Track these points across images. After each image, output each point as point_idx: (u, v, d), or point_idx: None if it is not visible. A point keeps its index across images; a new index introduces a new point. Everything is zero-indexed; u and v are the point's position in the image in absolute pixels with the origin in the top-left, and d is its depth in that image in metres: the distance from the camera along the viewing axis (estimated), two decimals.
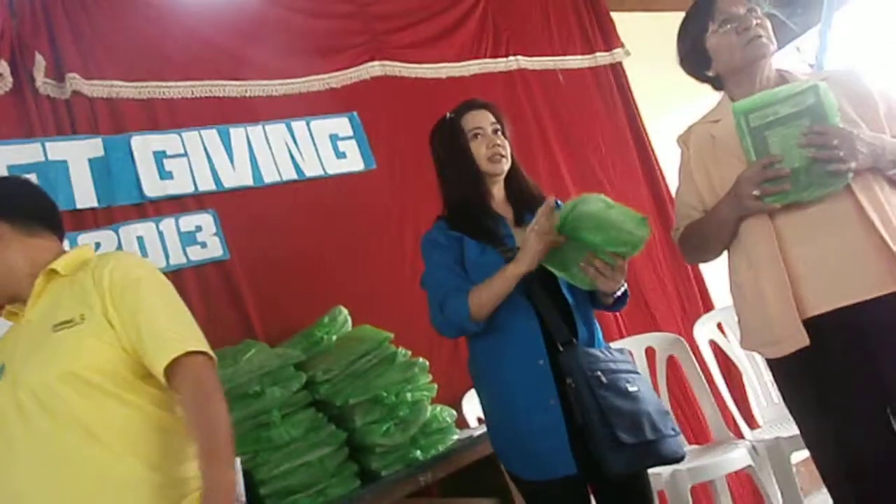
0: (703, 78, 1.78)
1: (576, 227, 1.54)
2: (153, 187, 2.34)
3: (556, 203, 1.74)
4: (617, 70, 3.61)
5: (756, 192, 1.48)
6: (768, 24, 1.65)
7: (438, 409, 2.12)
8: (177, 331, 1.29)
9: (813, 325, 1.47)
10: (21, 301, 1.38)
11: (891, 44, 4.01)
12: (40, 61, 2.24)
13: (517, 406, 1.62)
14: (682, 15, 1.80)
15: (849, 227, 1.47)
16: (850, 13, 4.19)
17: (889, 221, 1.45)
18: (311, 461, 1.85)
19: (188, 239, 2.34)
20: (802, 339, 1.47)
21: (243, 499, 1.40)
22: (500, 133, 1.80)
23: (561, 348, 1.59)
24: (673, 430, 1.60)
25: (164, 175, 2.37)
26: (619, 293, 1.66)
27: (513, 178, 1.83)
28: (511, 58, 3.32)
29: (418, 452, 2.01)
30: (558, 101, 3.38)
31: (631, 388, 1.58)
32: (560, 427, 1.57)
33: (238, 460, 1.39)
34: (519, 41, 3.38)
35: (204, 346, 1.30)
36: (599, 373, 1.56)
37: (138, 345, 1.27)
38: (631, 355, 1.72)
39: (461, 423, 2.36)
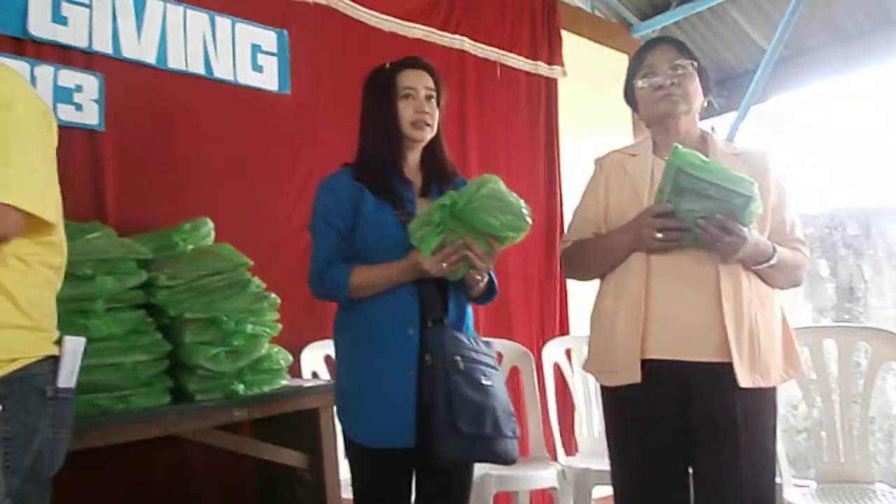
0: (637, 115, 1.84)
1: (479, 208, 1.51)
2: (41, 27, 2.10)
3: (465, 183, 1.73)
4: (551, 85, 3.66)
5: (659, 235, 1.54)
6: (694, 81, 1.69)
7: (276, 349, 2.04)
8: None
9: (647, 366, 1.56)
10: None
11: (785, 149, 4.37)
12: None
13: (376, 370, 1.60)
14: (621, 57, 1.85)
15: (704, 291, 1.56)
16: (763, 111, 4.52)
17: (738, 300, 1.56)
18: (124, 363, 1.72)
19: (63, 95, 2.11)
20: (635, 376, 1.57)
21: (71, 384, 1.23)
22: (433, 100, 1.74)
23: (430, 325, 1.59)
24: (513, 432, 1.62)
25: (58, 19, 2.13)
26: (482, 286, 1.66)
27: (432, 148, 1.77)
28: (457, 36, 3.28)
29: (241, 386, 1.92)
30: (488, 92, 3.38)
31: (485, 381, 1.59)
32: (410, 400, 1.56)
33: (75, 341, 1.23)
34: (470, 24, 3.34)
35: (9, 197, 1.10)
36: (459, 357, 1.56)
37: None
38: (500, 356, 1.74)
39: (295, 371, 2.30)
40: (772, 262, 1.58)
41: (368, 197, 1.66)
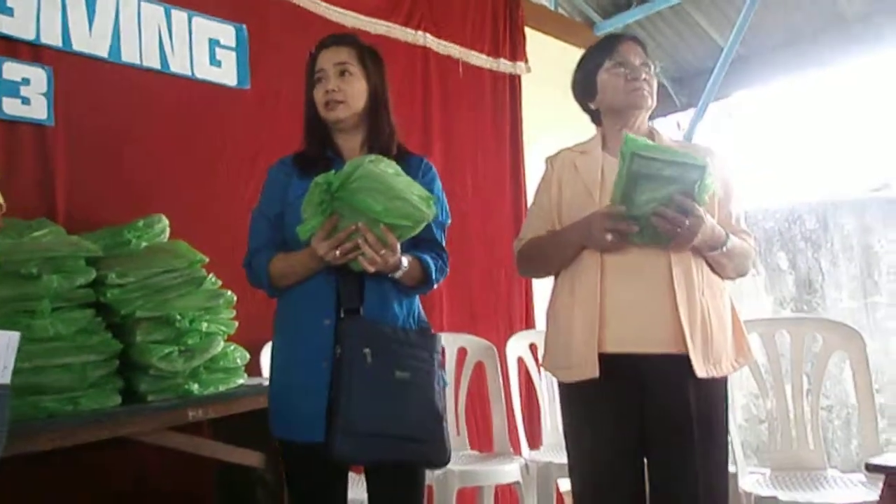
0: (586, 108, 1.84)
1: (358, 189, 1.40)
2: None
3: (420, 162, 1.70)
4: (514, 81, 3.67)
5: (609, 237, 1.54)
6: (655, 83, 1.74)
7: (232, 347, 2.00)
8: None
9: (604, 361, 1.57)
10: None
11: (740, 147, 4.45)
12: None
13: (291, 359, 1.56)
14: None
15: (657, 284, 1.58)
16: (722, 109, 4.60)
17: (690, 291, 1.58)
18: (72, 364, 1.66)
19: (9, 89, 2.04)
20: (593, 371, 1.57)
21: (6, 380, 1.17)
22: (346, 74, 1.61)
23: (345, 313, 1.53)
24: (430, 432, 1.52)
25: (4, 9, 2.06)
26: (399, 274, 1.52)
27: (371, 121, 1.65)
28: (420, 32, 3.26)
29: (196, 386, 1.88)
30: (451, 90, 3.37)
31: (399, 374, 1.49)
32: (321, 392, 1.48)
33: (8, 336, 1.18)
34: (432, 21, 3.33)
35: None
36: (368, 350, 1.47)
37: None
38: (437, 342, 1.63)
39: (254, 370, 2.26)
40: (725, 247, 1.60)
41: (295, 182, 1.61)
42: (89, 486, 2.03)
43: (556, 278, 1.74)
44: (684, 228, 1.51)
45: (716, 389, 1.61)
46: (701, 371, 1.54)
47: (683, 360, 1.54)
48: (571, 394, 1.67)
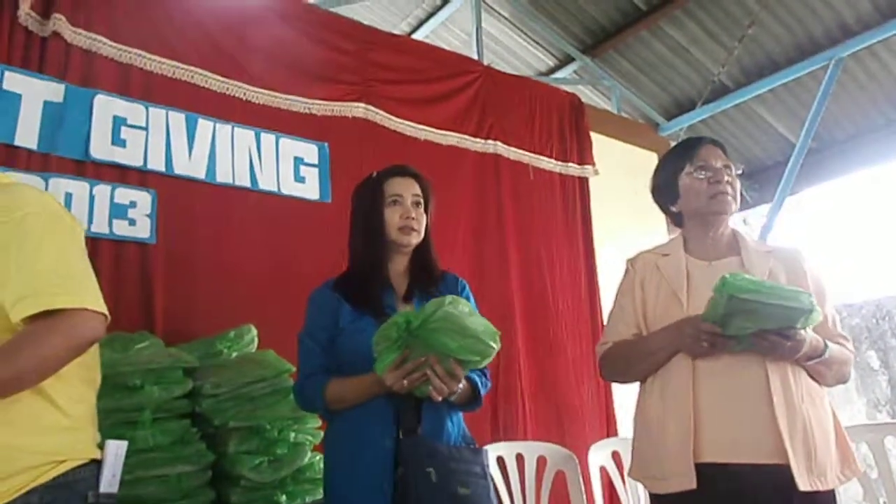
0: (667, 210, 1.85)
1: (436, 329, 1.47)
2: (101, 149, 2.24)
3: (455, 280, 1.79)
4: (583, 184, 3.74)
5: (705, 344, 1.52)
6: (738, 185, 1.74)
7: (318, 457, 2.01)
8: (46, 284, 1.10)
9: (700, 471, 1.50)
10: None
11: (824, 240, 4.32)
12: None
13: (352, 479, 1.58)
14: (650, 155, 1.88)
15: (754, 390, 1.53)
16: (797, 203, 4.52)
17: (789, 399, 1.52)
18: (169, 475, 1.71)
19: (118, 211, 2.23)
20: (690, 482, 1.51)
21: (113, 488, 1.22)
22: (420, 206, 1.76)
23: (404, 435, 1.57)
24: None
25: (117, 141, 2.28)
26: (455, 397, 1.58)
27: (420, 253, 1.78)
28: (490, 141, 3.40)
29: (284, 497, 1.89)
30: (523, 194, 3.46)
31: (461, 491, 1.53)
32: None
33: (117, 445, 1.24)
34: (501, 129, 3.47)
35: (83, 300, 1.12)
36: (432, 469, 1.52)
37: (10, 292, 1.10)
38: (495, 461, 1.65)
39: None
40: (823, 356, 1.55)
41: (346, 308, 1.69)
42: None
43: (642, 384, 1.71)
44: (784, 349, 1.49)
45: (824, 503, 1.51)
46: (804, 484, 1.46)
47: (785, 472, 1.47)
48: (665, 502, 1.59)
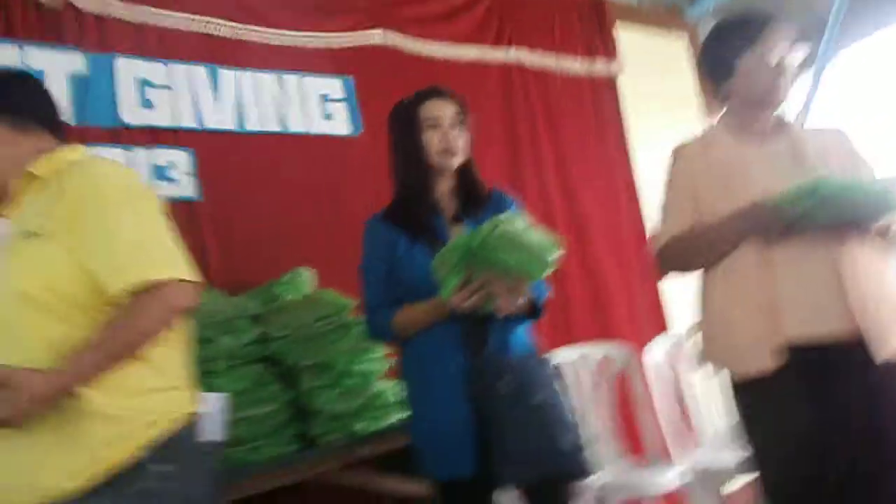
0: (713, 87, 1.78)
1: (494, 248, 1.49)
2: (132, 114, 2.26)
3: (502, 197, 1.80)
4: (611, 83, 3.63)
5: (782, 230, 1.52)
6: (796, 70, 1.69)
7: (387, 385, 2.10)
8: (139, 255, 1.16)
9: (780, 350, 1.52)
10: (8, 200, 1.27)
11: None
12: None
13: (431, 401, 1.64)
14: (679, 44, 1.81)
15: (827, 270, 1.53)
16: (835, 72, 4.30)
17: (861, 276, 1.52)
18: (252, 416, 1.81)
19: (160, 173, 2.26)
20: (774, 360, 1.52)
21: (218, 436, 1.31)
22: (457, 126, 1.73)
23: (473, 353, 1.61)
24: (575, 446, 1.58)
25: (145, 104, 2.29)
26: (517, 312, 1.62)
27: (464, 173, 1.77)
28: (512, 50, 3.31)
29: (360, 425, 1.98)
30: (551, 101, 3.39)
31: (534, 401, 1.57)
32: (466, 429, 1.57)
33: (216, 396, 1.32)
34: (521, 34, 3.36)
35: (175, 271, 1.17)
36: (503, 381, 1.56)
37: (99, 265, 1.15)
38: (556, 368, 1.70)
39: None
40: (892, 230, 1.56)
41: (400, 236, 1.70)
42: None
43: (707, 272, 1.68)
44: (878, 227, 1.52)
45: None
46: (881, 355, 1.47)
47: (861, 346, 1.48)
48: (748, 387, 1.59)
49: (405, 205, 1.75)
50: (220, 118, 2.46)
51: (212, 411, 1.29)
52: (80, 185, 1.20)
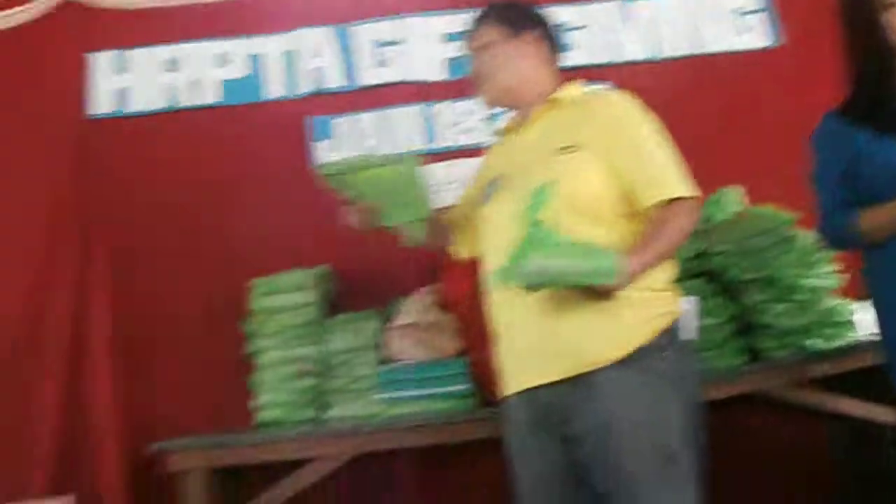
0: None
1: None
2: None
3: None
4: None
5: None
6: None
7: (840, 302, 1.95)
8: (668, 174, 1.30)
9: None
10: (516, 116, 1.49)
11: None
12: None
13: None
14: None
15: None
16: None
17: None
18: (701, 327, 1.84)
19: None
20: None
21: (693, 335, 1.42)
22: None
23: None
24: None
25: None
26: None
27: None
28: None
29: (811, 342, 1.88)
30: None
31: None
32: None
33: (693, 300, 1.42)
34: None
35: (692, 190, 1.30)
36: None
37: (632, 180, 1.30)
38: None
39: None
40: None
41: (858, 131, 1.50)
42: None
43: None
44: None
45: None
46: None
47: None
48: None
49: (867, 94, 1.58)
50: (633, 49, 2.55)
51: (689, 312, 1.39)
52: (610, 110, 1.36)
